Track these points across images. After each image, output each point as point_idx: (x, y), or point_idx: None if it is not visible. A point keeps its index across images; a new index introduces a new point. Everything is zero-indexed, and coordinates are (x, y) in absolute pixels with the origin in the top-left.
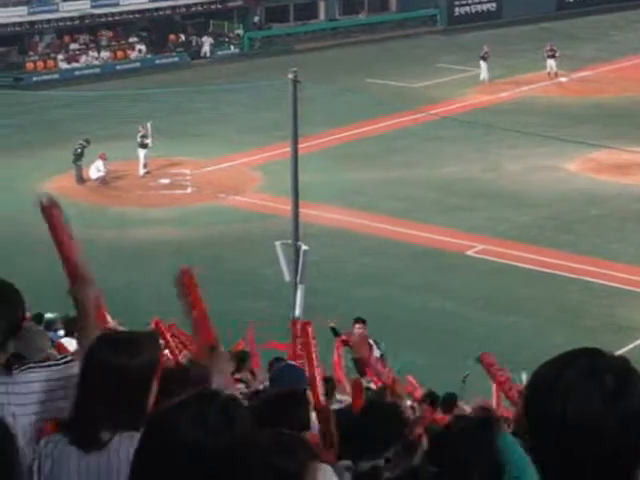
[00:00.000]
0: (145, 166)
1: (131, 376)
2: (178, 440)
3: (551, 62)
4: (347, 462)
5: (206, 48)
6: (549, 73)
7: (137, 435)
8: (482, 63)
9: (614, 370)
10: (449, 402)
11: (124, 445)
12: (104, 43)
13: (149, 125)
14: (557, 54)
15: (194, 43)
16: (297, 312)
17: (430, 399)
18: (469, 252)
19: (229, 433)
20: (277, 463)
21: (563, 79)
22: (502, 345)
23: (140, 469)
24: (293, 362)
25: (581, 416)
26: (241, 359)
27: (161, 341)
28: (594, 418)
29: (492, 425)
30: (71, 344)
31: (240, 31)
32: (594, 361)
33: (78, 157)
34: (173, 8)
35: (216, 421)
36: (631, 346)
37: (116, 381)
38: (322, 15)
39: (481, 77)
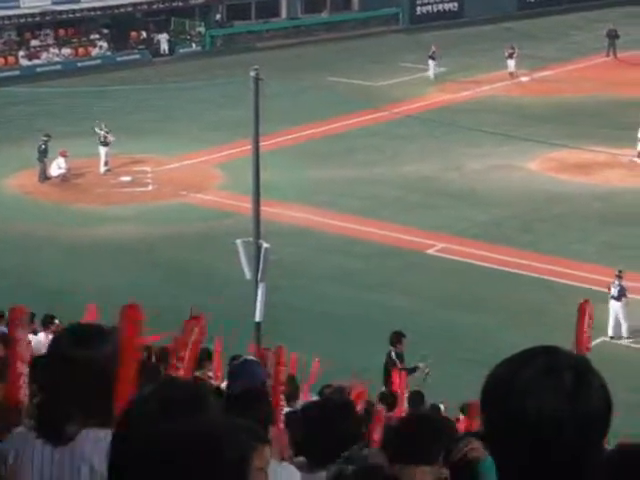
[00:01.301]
0: (106, 163)
1: (95, 369)
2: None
3: (510, 62)
4: (302, 459)
5: (164, 46)
6: (511, 73)
7: (104, 432)
8: (430, 62)
9: (573, 368)
10: (417, 399)
11: (89, 440)
12: (65, 40)
13: (103, 125)
14: (515, 54)
15: (155, 41)
16: (258, 310)
17: (385, 400)
18: (430, 251)
19: (197, 418)
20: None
21: (524, 79)
22: (463, 343)
23: (116, 470)
24: (252, 357)
25: (539, 414)
26: (202, 358)
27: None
28: (552, 416)
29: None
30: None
31: (202, 29)
32: (552, 359)
33: (43, 153)
34: (134, 5)
35: (183, 408)
36: (591, 345)
37: (79, 374)
38: (284, 13)
39: (430, 75)
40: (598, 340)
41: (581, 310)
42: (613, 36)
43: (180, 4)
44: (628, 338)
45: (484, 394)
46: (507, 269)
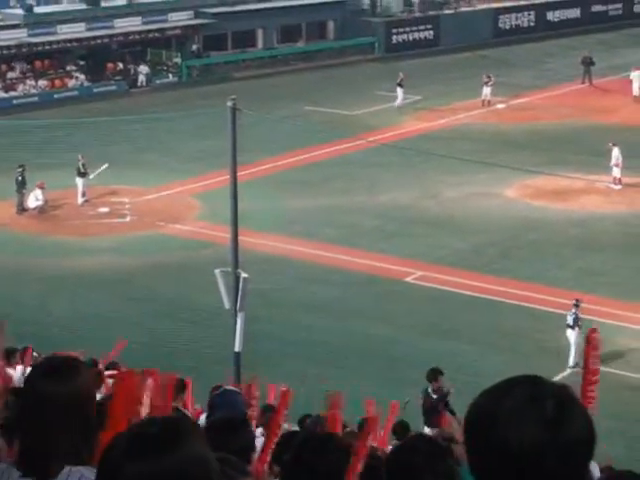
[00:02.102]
0: (84, 195)
1: (68, 404)
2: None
3: (486, 90)
4: None
5: (142, 77)
6: (483, 101)
7: (88, 470)
8: (398, 89)
9: (555, 397)
10: (402, 429)
11: (72, 478)
12: (41, 71)
13: (80, 157)
14: (491, 82)
15: (132, 72)
16: (237, 339)
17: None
18: (408, 279)
19: (179, 455)
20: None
21: (500, 106)
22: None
23: None
24: (231, 387)
25: (522, 444)
26: (178, 388)
27: None
28: (535, 445)
29: (449, 454)
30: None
31: (178, 59)
32: (534, 388)
33: (21, 185)
34: (110, 37)
35: (162, 446)
36: (569, 371)
37: (52, 409)
38: (260, 43)
39: (396, 103)
40: (577, 368)
41: (588, 340)
42: (588, 63)
43: (156, 35)
44: (573, 367)
45: (467, 424)
46: (485, 296)
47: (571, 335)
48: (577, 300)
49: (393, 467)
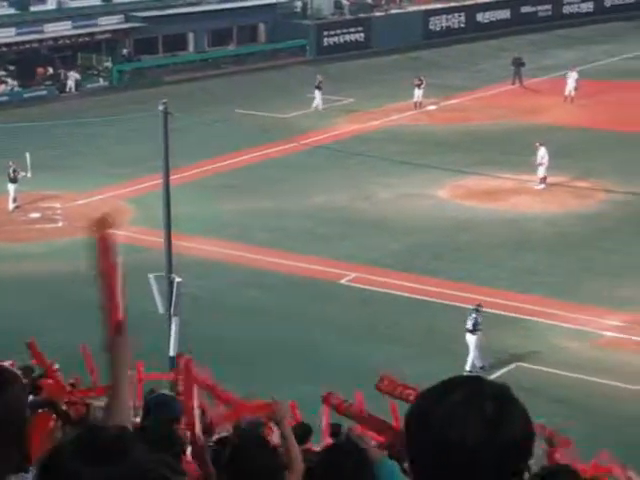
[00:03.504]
0: (15, 200)
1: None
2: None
3: (418, 92)
4: None
5: (71, 83)
6: (415, 103)
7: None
8: (317, 92)
9: (494, 397)
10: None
11: None
12: None
13: (27, 156)
14: (423, 85)
15: (62, 76)
16: (172, 344)
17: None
18: (343, 280)
19: (122, 465)
20: None
21: (432, 107)
22: (377, 372)
23: None
24: (167, 392)
25: (461, 443)
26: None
27: None
28: (475, 445)
29: (366, 453)
30: None
31: (109, 64)
32: (474, 388)
33: None
34: (40, 41)
35: (109, 454)
36: (504, 370)
37: None
38: (191, 47)
39: (314, 105)
40: (512, 365)
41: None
42: (519, 64)
43: (87, 39)
44: (470, 372)
45: (407, 424)
46: (420, 297)
47: (470, 339)
48: (478, 305)
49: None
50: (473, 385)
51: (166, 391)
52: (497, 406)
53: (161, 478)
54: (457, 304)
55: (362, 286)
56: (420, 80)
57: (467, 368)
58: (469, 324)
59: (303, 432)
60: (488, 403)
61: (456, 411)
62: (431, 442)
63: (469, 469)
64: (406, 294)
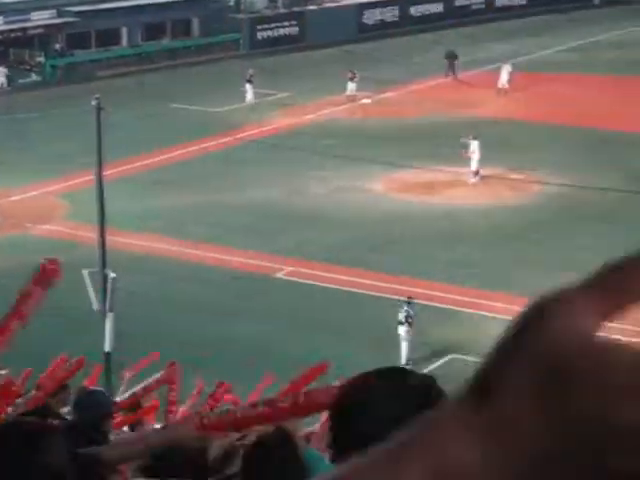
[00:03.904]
0: None
1: None
2: None
3: (352, 85)
4: None
5: (2, 78)
6: (349, 96)
7: None
8: (248, 86)
9: (419, 389)
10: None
11: None
12: None
13: None
14: (356, 78)
15: None
16: (107, 340)
17: None
18: (278, 274)
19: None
20: None
21: (366, 101)
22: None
23: None
24: (97, 388)
25: (386, 435)
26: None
27: None
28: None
29: (291, 440)
30: None
31: (42, 58)
32: (399, 380)
33: None
34: None
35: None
36: (439, 362)
37: None
38: (125, 41)
39: (247, 100)
40: (447, 357)
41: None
42: (452, 57)
43: (19, 34)
44: (406, 364)
45: (332, 415)
46: (356, 290)
47: (402, 331)
48: (409, 297)
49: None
50: (398, 377)
51: (96, 387)
52: (422, 398)
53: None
54: (392, 296)
55: (298, 280)
56: (353, 73)
57: (402, 361)
58: (400, 316)
59: None
60: (412, 394)
61: (381, 403)
62: (355, 434)
63: None
64: (341, 287)
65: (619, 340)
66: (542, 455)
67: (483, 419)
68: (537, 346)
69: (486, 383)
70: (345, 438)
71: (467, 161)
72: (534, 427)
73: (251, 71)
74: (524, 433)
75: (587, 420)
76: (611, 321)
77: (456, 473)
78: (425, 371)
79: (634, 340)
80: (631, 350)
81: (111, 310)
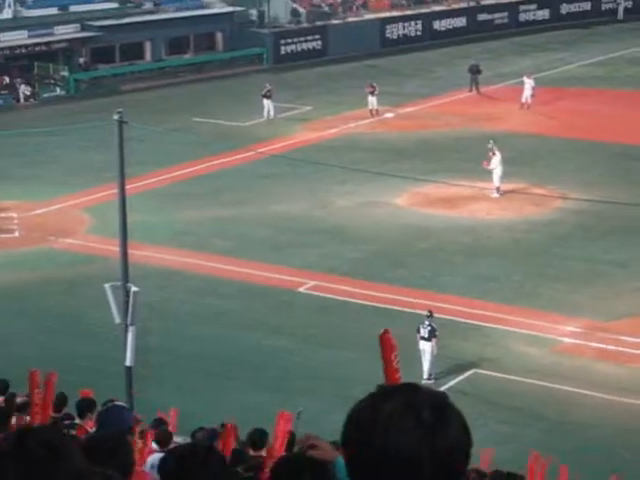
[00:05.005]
0: None
1: None
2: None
3: (372, 99)
4: None
5: (26, 92)
6: (371, 110)
7: None
8: (265, 101)
9: (431, 405)
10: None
11: None
12: None
13: None
14: (376, 91)
15: (18, 85)
16: (128, 354)
17: (251, 440)
18: (301, 289)
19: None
20: None
21: (388, 115)
22: (336, 380)
23: None
24: (120, 403)
25: (399, 451)
26: (82, 408)
27: None
28: (412, 452)
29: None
30: None
31: (66, 73)
32: (411, 396)
33: None
34: None
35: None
36: (462, 377)
37: None
38: (148, 55)
39: (265, 114)
40: (470, 372)
41: (384, 342)
42: (475, 71)
43: (43, 48)
44: (428, 379)
45: (345, 431)
46: (378, 304)
47: (426, 347)
48: (430, 311)
49: None
50: (410, 393)
51: (119, 402)
52: (434, 414)
53: None
54: (415, 311)
55: (321, 294)
56: (372, 87)
57: (424, 377)
58: (423, 332)
59: (260, 437)
60: (425, 411)
61: (393, 418)
62: (368, 449)
63: (407, 477)
64: (364, 302)
65: None
66: None
67: None
68: None
69: None
70: (359, 455)
71: (490, 175)
72: None
73: (268, 86)
74: None
75: None
76: None
77: None
78: (447, 386)
79: None
80: None
81: (132, 324)
